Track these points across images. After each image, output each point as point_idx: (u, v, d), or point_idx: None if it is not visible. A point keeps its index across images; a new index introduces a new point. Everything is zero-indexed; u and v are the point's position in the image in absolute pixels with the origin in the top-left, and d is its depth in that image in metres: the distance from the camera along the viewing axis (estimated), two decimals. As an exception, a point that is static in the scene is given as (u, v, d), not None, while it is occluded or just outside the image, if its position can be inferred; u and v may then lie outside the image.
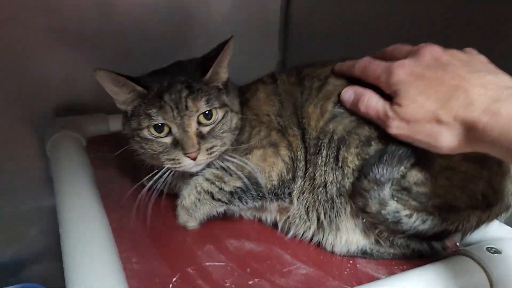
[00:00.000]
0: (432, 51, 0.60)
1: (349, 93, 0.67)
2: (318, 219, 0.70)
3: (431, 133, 0.56)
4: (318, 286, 0.64)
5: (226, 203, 0.72)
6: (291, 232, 0.75)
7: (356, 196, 0.65)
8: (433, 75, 0.57)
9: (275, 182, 0.70)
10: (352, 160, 0.66)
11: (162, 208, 0.75)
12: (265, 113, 0.74)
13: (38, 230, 1.17)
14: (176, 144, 0.67)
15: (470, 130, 0.52)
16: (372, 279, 0.65)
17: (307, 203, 0.71)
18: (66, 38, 1.09)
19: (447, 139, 0.54)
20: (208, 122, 0.69)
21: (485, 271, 0.62)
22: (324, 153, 0.68)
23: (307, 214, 0.72)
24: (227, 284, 0.63)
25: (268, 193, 0.71)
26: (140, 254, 0.68)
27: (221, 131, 0.69)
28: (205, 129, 0.69)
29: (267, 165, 0.70)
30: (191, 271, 0.66)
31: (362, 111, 0.64)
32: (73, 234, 0.66)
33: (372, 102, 0.63)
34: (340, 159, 0.66)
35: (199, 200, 0.72)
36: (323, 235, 0.71)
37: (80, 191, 0.78)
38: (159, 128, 0.67)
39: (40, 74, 1.08)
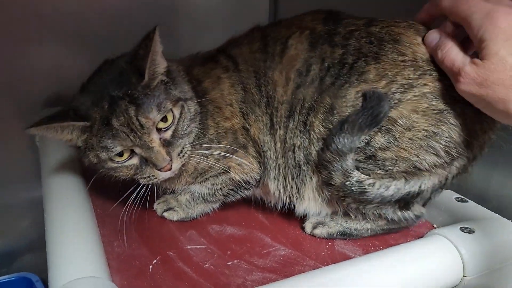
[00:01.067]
0: None
1: (433, 36, 0.62)
2: (287, 185, 0.72)
3: (504, 98, 0.51)
4: (294, 265, 0.66)
5: (219, 202, 0.77)
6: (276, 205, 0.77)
7: (320, 168, 0.66)
8: None
9: (257, 176, 0.73)
10: (318, 125, 0.66)
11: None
12: (228, 104, 0.72)
13: (30, 220, 1.18)
14: (146, 161, 0.63)
15: None
16: (348, 259, 0.67)
17: (281, 169, 0.72)
18: (54, 29, 1.10)
19: None
20: (168, 125, 0.63)
21: (457, 249, 0.63)
22: (296, 117, 0.69)
23: (285, 179, 0.72)
24: (206, 266, 0.65)
25: (255, 182, 0.74)
26: (122, 238, 0.70)
27: (184, 128, 0.65)
28: (167, 134, 0.63)
29: (245, 166, 0.72)
30: (171, 254, 0.68)
31: (438, 57, 0.59)
32: (57, 218, 0.68)
33: (451, 52, 0.57)
34: (308, 123, 0.67)
35: (193, 199, 0.76)
36: (292, 203, 0.73)
37: (66, 178, 0.80)
38: (119, 153, 0.62)
39: (29, 65, 1.09)
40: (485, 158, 0.67)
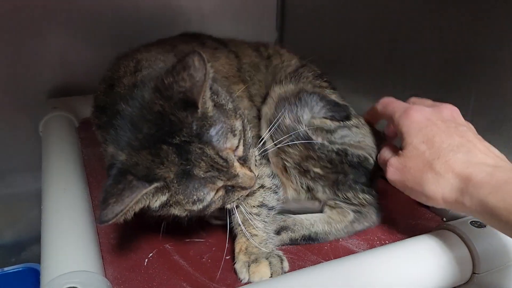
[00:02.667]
0: (452, 110, 0.63)
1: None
2: None
3: (420, 181, 0.58)
4: (294, 260, 0.63)
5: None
6: None
7: (291, 98, 0.71)
8: (444, 127, 0.59)
9: None
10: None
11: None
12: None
13: (39, 211, 1.18)
14: (232, 187, 0.57)
15: (464, 182, 0.53)
16: (352, 253, 0.64)
17: None
18: (59, 20, 1.09)
19: (432, 188, 0.56)
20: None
21: (467, 245, 0.60)
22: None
23: None
24: (204, 259, 0.63)
25: None
26: (119, 230, 0.68)
27: (249, 135, 0.59)
28: (240, 151, 0.56)
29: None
30: (168, 247, 0.66)
31: (378, 160, 0.69)
32: (53, 209, 0.67)
33: (384, 152, 0.66)
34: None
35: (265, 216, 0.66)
36: None
37: (65, 169, 0.79)
38: None
39: (34, 55, 1.09)
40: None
